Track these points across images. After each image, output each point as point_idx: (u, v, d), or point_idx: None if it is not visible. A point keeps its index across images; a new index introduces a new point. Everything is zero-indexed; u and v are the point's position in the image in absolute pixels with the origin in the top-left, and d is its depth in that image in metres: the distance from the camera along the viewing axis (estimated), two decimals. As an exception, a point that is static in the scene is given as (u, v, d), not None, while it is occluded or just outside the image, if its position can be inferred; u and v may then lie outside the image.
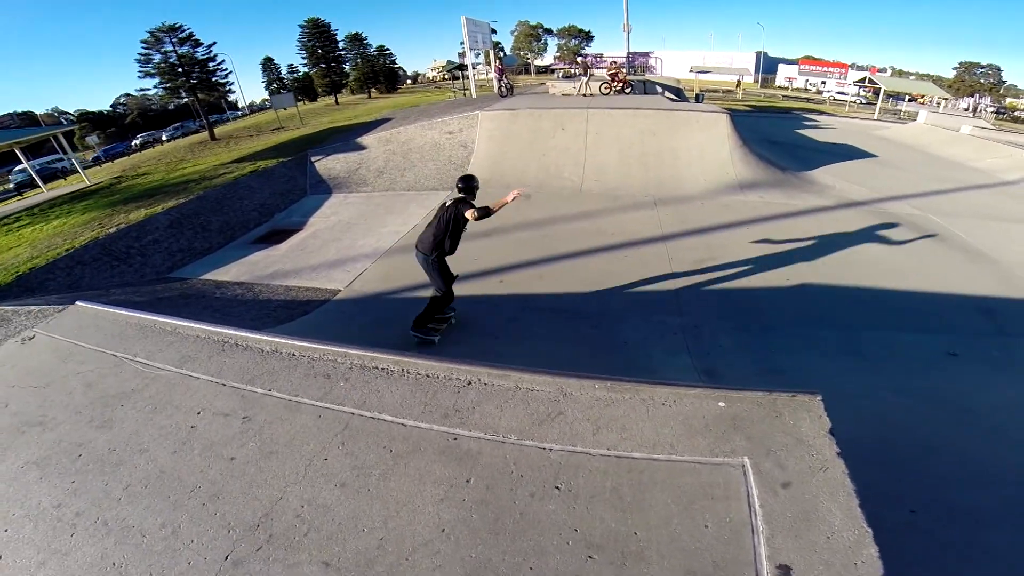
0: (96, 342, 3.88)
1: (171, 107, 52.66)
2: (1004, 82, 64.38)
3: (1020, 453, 3.47)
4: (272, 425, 2.74)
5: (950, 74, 66.72)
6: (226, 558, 2.05)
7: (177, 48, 28.44)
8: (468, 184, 4.90)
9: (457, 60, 46.47)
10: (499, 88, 18.95)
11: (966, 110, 42.30)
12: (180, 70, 28.66)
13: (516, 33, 73.98)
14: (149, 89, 31.45)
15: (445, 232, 4.80)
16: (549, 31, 73.92)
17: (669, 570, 1.82)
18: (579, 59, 20.15)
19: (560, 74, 18.99)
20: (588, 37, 71.50)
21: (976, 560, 2.52)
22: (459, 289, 6.42)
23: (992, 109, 49.08)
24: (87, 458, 2.69)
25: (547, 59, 74.49)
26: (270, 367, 3.25)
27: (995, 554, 2.56)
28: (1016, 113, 52.85)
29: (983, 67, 64.71)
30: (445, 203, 4.89)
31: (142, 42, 27.63)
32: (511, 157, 11.92)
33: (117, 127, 58.23)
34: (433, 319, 5.27)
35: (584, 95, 16.18)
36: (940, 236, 8.05)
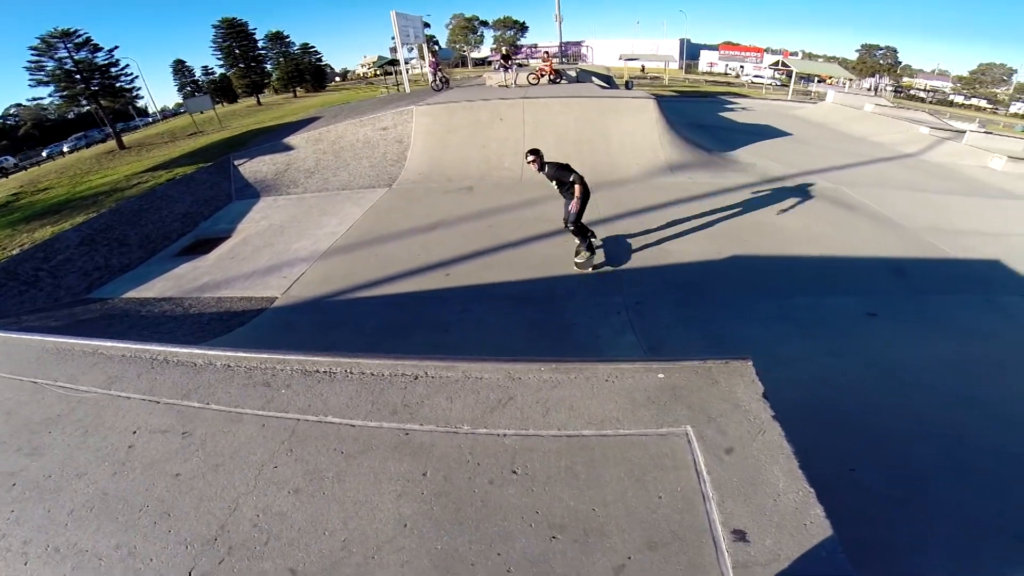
0: (9, 370, 3.59)
1: (71, 116, 48.46)
2: (900, 63, 70.15)
3: (943, 406, 3.80)
4: (214, 438, 2.62)
5: (853, 56, 71.99)
6: (189, 573, 1.99)
7: (73, 54, 26.08)
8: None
9: (389, 55, 45.36)
10: (434, 82, 18.70)
11: (868, 90, 45.78)
12: (78, 77, 26.32)
13: (451, 26, 73.12)
14: (44, 98, 28.82)
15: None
16: (485, 23, 73.59)
17: (631, 543, 1.87)
18: (500, 51, 20.14)
19: (496, 65, 18.98)
20: (523, 28, 71.76)
21: (916, 512, 2.74)
22: (407, 285, 6.39)
23: (891, 88, 53.44)
24: (22, 486, 2.52)
25: (484, 51, 74.13)
26: (205, 380, 3.09)
27: (933, 505, 2.78)
28: (911, 91, 57.81)
29: (881, 49, 70.23)
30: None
31: (31, 49, 25.18)
32: (451, 150, 11.83)
33: (9, 139, 52.88)
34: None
35: (509, 86, 16.23)
36: (852, 206, 8.72)
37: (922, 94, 57.06)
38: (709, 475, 2.05)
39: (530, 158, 6.23)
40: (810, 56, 71.44)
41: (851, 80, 44.52)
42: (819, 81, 41.88)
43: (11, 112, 60.15)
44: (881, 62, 69.08)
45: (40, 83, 25.87)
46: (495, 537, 1.97)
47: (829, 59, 68.94)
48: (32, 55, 25.29)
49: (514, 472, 2.23)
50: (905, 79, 66.56)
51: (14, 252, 8.39)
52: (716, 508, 1.93)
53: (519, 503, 2.09)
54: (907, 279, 6.24)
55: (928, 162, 12.77)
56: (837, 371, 4.38)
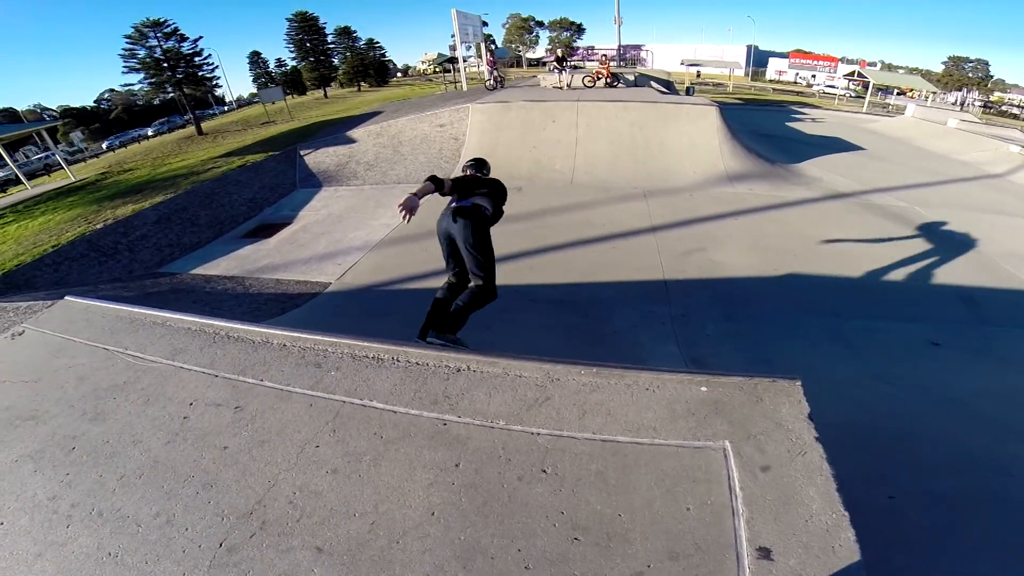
0: (86, 336, 3.85)
1: (157, 102, 52.03)
2: (992, 76, 64.98)
3: (999, 441, 3.53)
4: (264, 414, 2.76)
5: (939, 68, 67.31)
6: (220, 545, 2.07)
7: (162, 43, 28.09)
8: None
9: (448, 53, 46.26)
10: (490, 81, 18.90)
11: (954, 104, 42.64)
12: (165, 65, 28.31)
13: (507, 26, 73.74)
14: (134, 84, 31.07)
15: None
16: (541, 23, 73.73)
17: (652, 551, 1.86)
18: (555, 53, 20.09)
19: (551, 67, 18.89)
20: (580, 30, 71.37)
21: (954, 545, 2.58)
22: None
23: (979, 103, 49.49)
24: (81, 450, 2.68)
25: (539, 52, 74.29)
26: (261, 358, 3.26)
27: (973, 540, 2.61)
28: (1003, 107, 53.34)
29: (971, 62, 65.29)
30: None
31: (126, 37, 27.28)
32: (502, 149, 11.92)
33: (102, 123, 57.46)
34: None
35: (563, 88, 16.15)
36: (925, 227, 8.18)
37: (1015, 110, 52.48)
38: (742, 491, 2.00)
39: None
40: (890, 67, 67.38)
41: (935, 93, 41.61)
42: (899, 94, 39.44)
43: (105, 96, 65.28)
44: (970, 75, 64.19)
45: (132, 70, 27.95)
46: (518, 533, 1.98)
47: (911, 71, 64.68)
48: (126, 43, 27.41)
49: (544, 471, 2.24)
50: (997, 94, 61.54)
51: (98, 226, 9.11)
52: (744, 524, 1.88)
53: (545, 502, 2.10)
54: (978, 308, 5.80)
55: (1016, 184, 11.79)
56: (890, 398, 4.15)
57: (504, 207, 4.27)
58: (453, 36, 21.94)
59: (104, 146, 36.01)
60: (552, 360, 2.85)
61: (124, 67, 27.67)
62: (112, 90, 63.77)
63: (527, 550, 1.92)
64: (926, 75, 59.69)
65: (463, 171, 4.43)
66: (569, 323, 5.45)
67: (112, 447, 2.68)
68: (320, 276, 7.06)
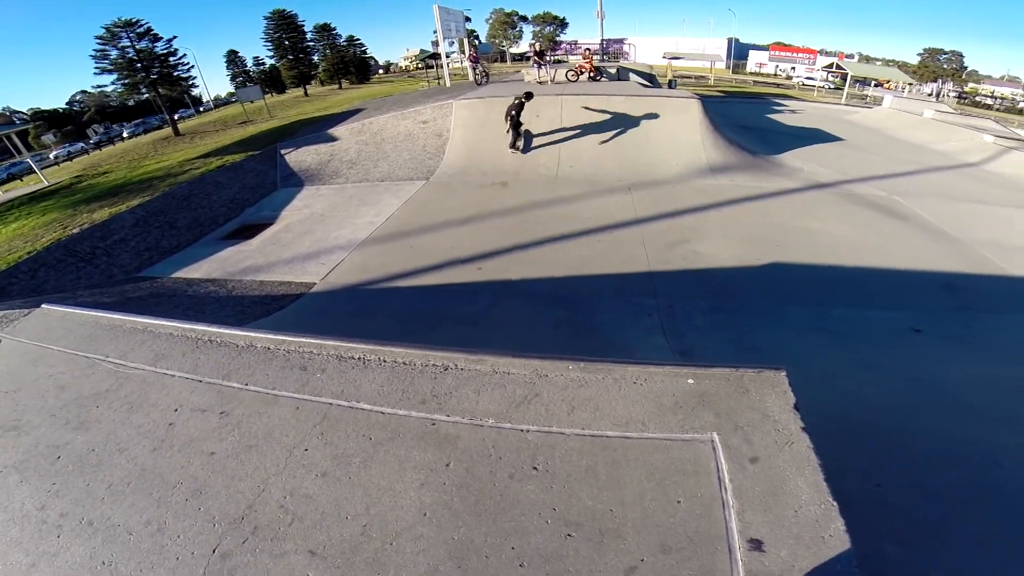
0: (65, 344, 3.77)
1: (131, 103, 50.88)
2: (966, 68, 66.26)
3: (984, 429, 3.59)
4: (250, 419, 2.73)
5: (914, 60, 68.46)
6: (213, 551, 2.05)
7: (135, 43, 27.47)
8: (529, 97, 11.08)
9: (430, 49, 45.91)
10: (474, 76, 18.79)
11: (930, 95, 43.37)
12: (139, 65, 27.69)
13: (491, 21, 73.40)
14: (107, 85, 30.27)
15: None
16: (524, 18, 73.54)
17: (645, 545, 1.87)
18: (533, 46, 20.09)
19: (532, 62, 18.81)
20: (563, 24, 71.33)
21: (945, 535, 2.62)
22: (439, 278, 6.51)
23: (954, 94, 50.46)
24: (66, 460, 2.64)
25: (523, 46, 74.11)
26: (246, 362, 3.22)
27: (963, 530, 2.66)
28: (977, 98, 54.42)
29: (946, 53, 66.46)
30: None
31: (97, 38, 26.62)
32: (487, 144, 11.89)
33: (74, 125, 56.08)
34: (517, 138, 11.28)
35: (547, 82, 16.14)
36: (904, 216, 8.33)
37: (989, 101, 53.58)
38: (731, 483, 2.02)
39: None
40: (867, 59, 68.47)
41: (911, 85, 42.30)
42: (876, 85, 40.04)
43: (77, 98, 63.66)
44: (945, 67, 65.37)
45: (104, 71, 27.29)
46: (511, 531, 1.98)
47: (888, 63, 65.74)
48: (97, 44, 26.74)
49: (535, 468, 2.24)
50: (971, 85, 62.77)
51: (74, 231, 8.90)
52: (735, 516, 1.90)
53: (537, 499, 2.10)
54: (958, 295, 5.92)
55: (991, 172, 12.06)
56: (874, 386, 4.21)
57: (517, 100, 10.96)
58: (435, 32, 21.75)
59: (125, 134, 32.19)
60: (540, 356, 2.85)
61: (96, 68, 27.02)
62: (85, 92, 62.20)
63: (521, 548, 1.92)
64: (902, 67, 60.62)
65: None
66: (556, 317, 5.46)
67: (98, 456, 2.64)
68: (304, 276, 6.98)
